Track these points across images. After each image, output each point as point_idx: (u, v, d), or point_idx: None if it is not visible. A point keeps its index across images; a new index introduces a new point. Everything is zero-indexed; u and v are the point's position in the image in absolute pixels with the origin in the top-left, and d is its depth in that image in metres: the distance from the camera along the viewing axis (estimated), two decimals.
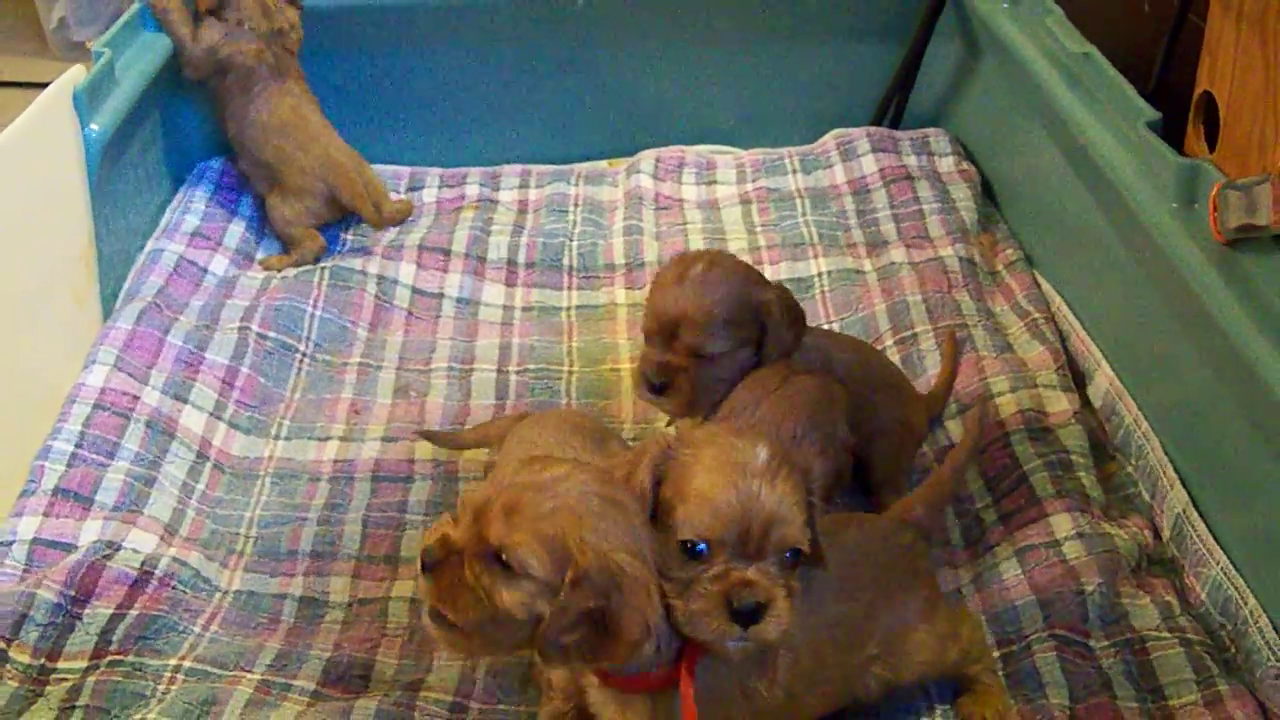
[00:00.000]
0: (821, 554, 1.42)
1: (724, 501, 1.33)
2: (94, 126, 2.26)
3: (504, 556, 1.31)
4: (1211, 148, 2.12)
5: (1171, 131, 2.08)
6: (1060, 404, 2.13)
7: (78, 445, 2.00)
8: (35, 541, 1.87)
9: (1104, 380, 2.17)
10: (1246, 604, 1.73)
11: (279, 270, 2.54)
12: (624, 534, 1.34)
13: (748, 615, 1.32)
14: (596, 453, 1.76)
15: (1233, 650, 1.72)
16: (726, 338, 1.84)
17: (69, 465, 1.97)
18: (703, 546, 1.34)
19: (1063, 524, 1.88)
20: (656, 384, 1.86)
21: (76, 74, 2.25)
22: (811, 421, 1.76)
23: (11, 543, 1.86)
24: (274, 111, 2.58)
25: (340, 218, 2.66)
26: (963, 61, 2.81)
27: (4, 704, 1.66)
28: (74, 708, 1.66)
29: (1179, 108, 2.18)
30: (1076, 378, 2.24)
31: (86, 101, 2.25)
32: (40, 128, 2.13)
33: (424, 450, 2.15)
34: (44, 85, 3.83)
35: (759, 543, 1.34)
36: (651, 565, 1.35)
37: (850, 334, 2.30)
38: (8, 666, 1.71)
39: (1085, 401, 2.19)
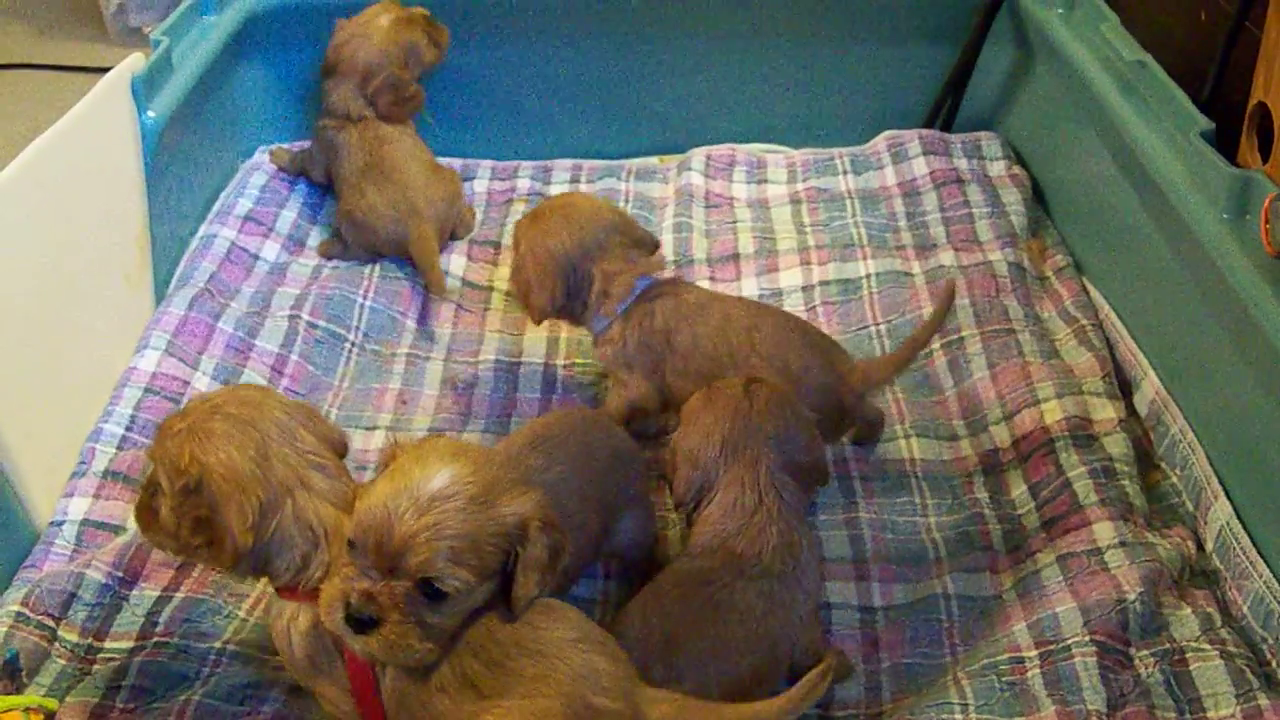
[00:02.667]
0: (514, 598, 1.44)
1: (370, 510, 1.38)
2: (151, 114, 2.29)
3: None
4: (1265, 159, 2.11)
5: (1225, 142, 2.07)
6: (1106, 411, 2.12)
7: (128, 428, 2.04)
8: (85, 522, 1.91)
9: (1150, 389, 2.16)
10: None
11: (329, 259, 2.56)
12: (244, 448, 1.45)
13: (359, 623, 1.38)
14: None
15: (1274, 664, 1.71)
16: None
17: (119, 448, 2.01)
18: (352, 544, 1.39)
19: (1105, 532, 1.87)
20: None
21: (135, 62, 2.28)
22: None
23: (62, 523, 1.90)
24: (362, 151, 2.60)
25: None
26: (1016, 66, 2.80)
27: (52, 681, 1.69)
28: (120, 687, 1.69)
29: (1233, 118, 2.17)
30: (1123, 386, 2.22)
31: (144, 89, 2.28)
32: (99, 114, 2.16)
33: (472, 441, 2.15)
34: (103, 70, 3.88)
35: (392, 561, 1.36)
36: (271, 476, 1.45)
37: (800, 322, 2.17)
38: (57, 644, 1.74)
39: (1131, 410, 2.18)
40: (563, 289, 2.07)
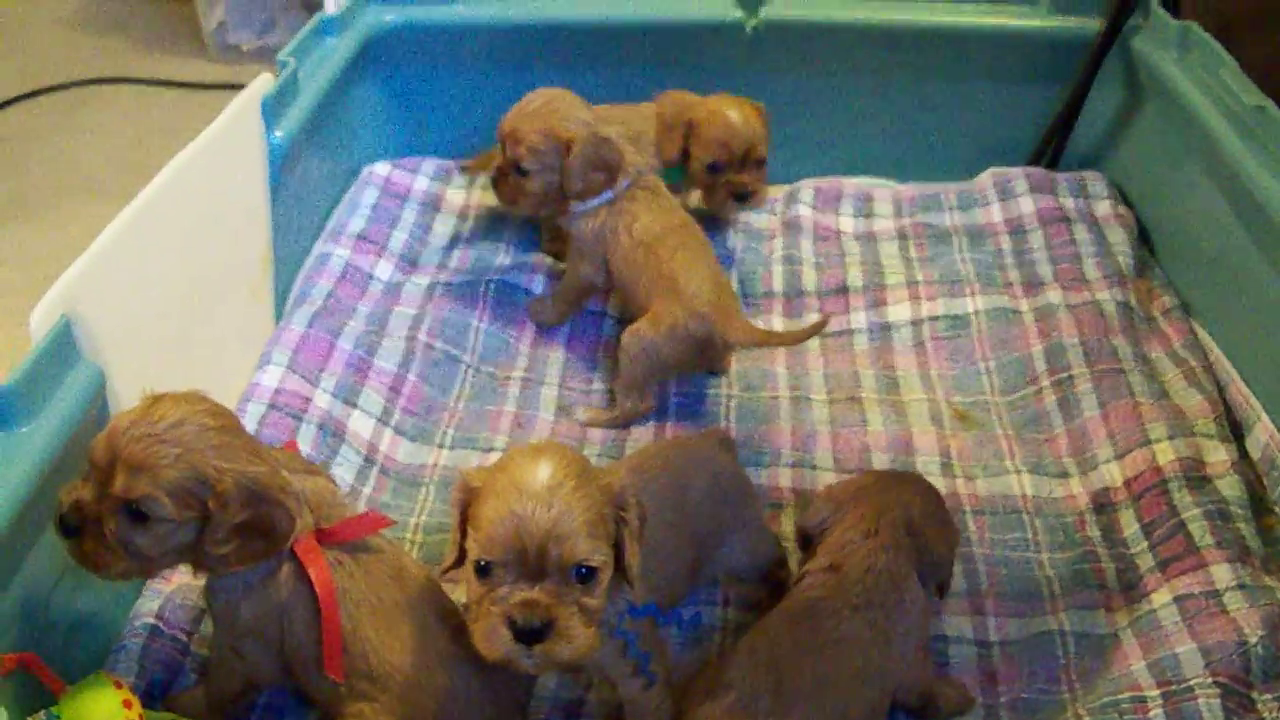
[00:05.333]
0: (626, 566, 1.47)
1: (499, 524, 1.39)
2: (278, 133, 2.34)
3: (139, 509, 1.44)
4: None
5: None
6: (1219, 454, 2.12)
7: None
8: None
9: (1263, 433, 2.16)
10: None
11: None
12: (246, 450, 1.50)
13: (532, 634, 1.38)
14: None
15: None
16: (533, 159, 2.30)
17: None
18: (489, 566, 1.40)
19: (1223, 574, 1.86)
20: (493, 178, 2.39)
21: (265, 82, 2.32)
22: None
23: None
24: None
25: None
26: (1124, 106, 2.81)
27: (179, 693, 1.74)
28: (255, 705, 1.74)
29: None
30: (1234, 428, 2.22)
31: (273, 109, 2.32)
32: (231, 134, 2.20)
33: None
34: (201, 86, 3.98)
35: (538, 563, 1.38)
36: (276, 466, 1.53)
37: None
38: (189, 658, 1.77)
39: (1243, 453, 2.18)
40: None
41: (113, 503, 1.44)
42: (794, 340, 2.37)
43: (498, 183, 2.37)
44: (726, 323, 2.23)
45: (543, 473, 1.40)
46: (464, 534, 1.46)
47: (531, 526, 1.37)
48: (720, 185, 2.57)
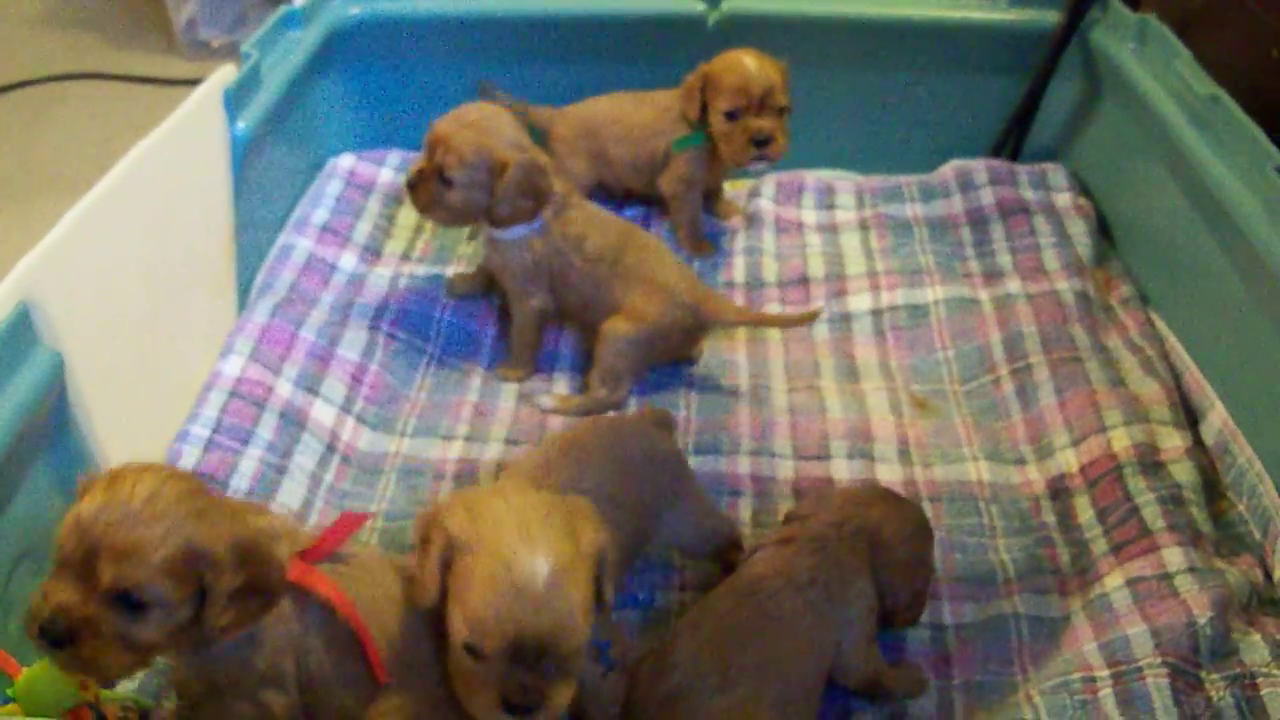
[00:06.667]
0: (604, 605, 1.50)
1: (496, 622, 1.38)
2: (241, 124, 2.35)
3: (135, 598, 1.34)
4: None
5: None
6: (1173, 440, 2.14)
7: (214, 431, 2.07)
8: None
9: (1217, 420, 2.19)
10: None
11: None
12: (224, 511, 1.42)
13: (527, 711, 1.41)
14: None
15: None
16: (462, 172, 2.22)
17: (205, 450, 2.04)
18: (480, 652, 1.40)
19: (1174, 557, 1.89)
20: (410, 181, 2.29)
21: (227, 74, 2.33)
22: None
23: None
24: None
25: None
26: (1084, 99, 2.83)
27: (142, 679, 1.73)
28: None
29: None
30: (1189, 416, 2.24)
31: (235, 100, 2.33)
32: (193, 124, 2.21)
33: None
34: (171, 82, 3.98)
35: (535, 655, 1.39)
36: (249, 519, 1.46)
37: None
38: None
39: (1198, 439, 2.20)
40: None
41: (104, 598, 1.33)
42: (783, 324, 2.42)
43: (415, 186, 2.27)
44: (714, 306, 2.31)
45: (540, 569, 1.38)
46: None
47: (530, 630, 1.37)
48: (738, 131, 2.54)
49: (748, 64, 2.52)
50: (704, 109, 2.59)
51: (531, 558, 1.39)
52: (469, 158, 2.19)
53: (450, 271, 2.61)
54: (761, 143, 2.53)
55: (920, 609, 1.86)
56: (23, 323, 1.67)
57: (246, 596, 1.40)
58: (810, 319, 2.33)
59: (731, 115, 2.54)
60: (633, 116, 2.73)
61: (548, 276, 2.33)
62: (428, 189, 2.24)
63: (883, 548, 1.78)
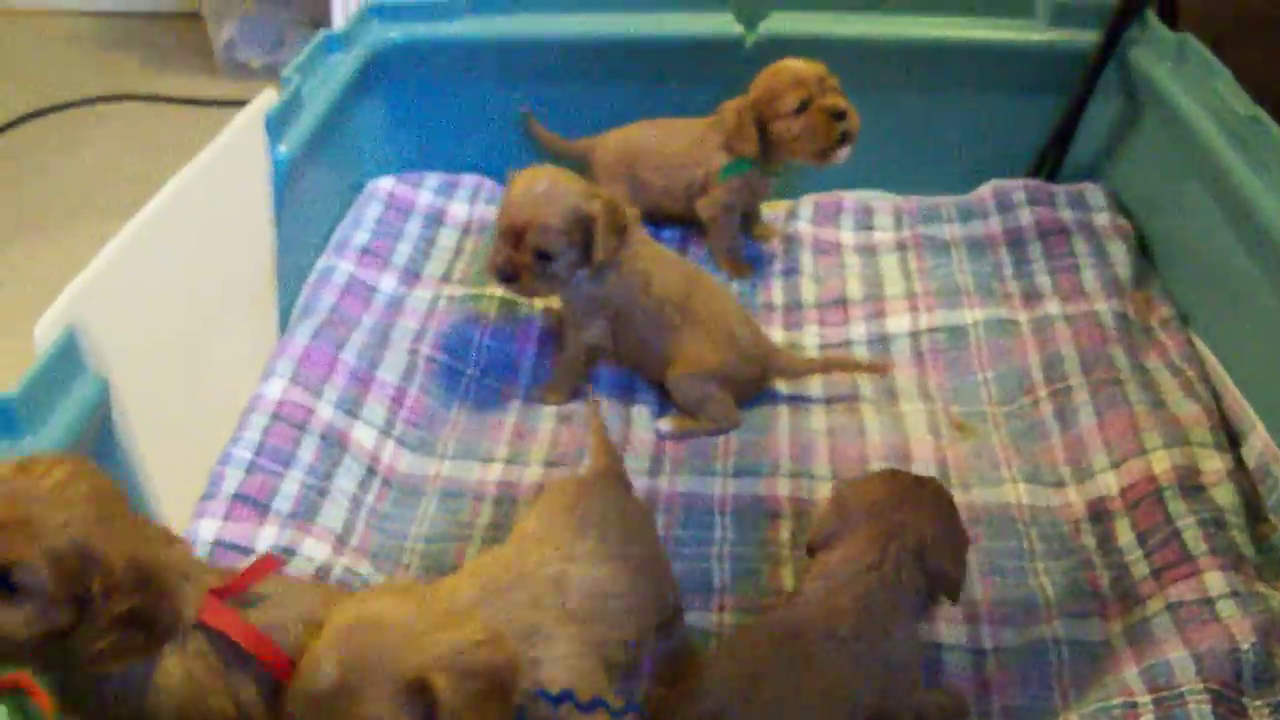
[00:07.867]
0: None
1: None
2: (282, 148, 2.37)
3: (11, 578, 1.26)
4: None
5: None
6: (1214, 463, 2.13)
7: (256, 453, 2.09)
8: (216, 543, 1.95)
9: (1258, 442, 2.17)
10: None
11: None
12: (132, 531, 1.36)
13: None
14: None
15: None
16: (560, 241, 2.20)
17: (248, 472, 2.06)
18: None
19: (1216, 582, 1.87)
20: (506, 275, 2.24)
21: (268, 98, 2.35)
22: None
23: (194, 544, 1.94)
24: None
25: None
26: (1122, 118, 2.83)
27: None
28: None
29: None
30: (1230, 438, 2.23)
31: (277, 125, 2.35)
32: (235, 150, 2.23)
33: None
34: (211, 103, 4.01)
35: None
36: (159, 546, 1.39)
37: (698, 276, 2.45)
38: None
39: (1239, 462, 2.19)
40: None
41: None
42: (840, 369, 2.42)
43: (513, 278, 2.25)
44: (781, 360, 2.39)
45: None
46: None
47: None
48: (814, 115, 2.54)
49: (789, 62, 2.57)
50: (764, 135, 2.61)
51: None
52: (560, 226, 2.20)
53: (489, 293, 2.61)
54: (840, 115, 2.55)
55: (964, 571, 1.82)
56: (70, 348, 1.69)
57: (130, 626, 1.31)
58: (879, 370, 2.39)
59: (801, 108, 2.55)
60: (668, 146, 2.74)
61: (611, 312, 2.35)
62: (530, 274, 2.24)
63: (929, 559, 1.74)
